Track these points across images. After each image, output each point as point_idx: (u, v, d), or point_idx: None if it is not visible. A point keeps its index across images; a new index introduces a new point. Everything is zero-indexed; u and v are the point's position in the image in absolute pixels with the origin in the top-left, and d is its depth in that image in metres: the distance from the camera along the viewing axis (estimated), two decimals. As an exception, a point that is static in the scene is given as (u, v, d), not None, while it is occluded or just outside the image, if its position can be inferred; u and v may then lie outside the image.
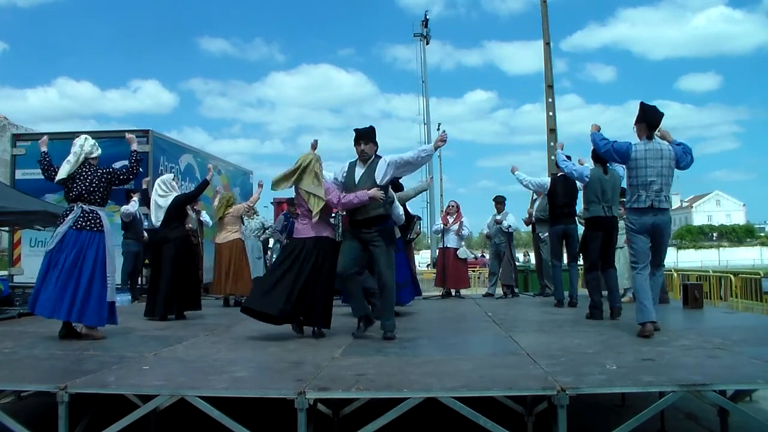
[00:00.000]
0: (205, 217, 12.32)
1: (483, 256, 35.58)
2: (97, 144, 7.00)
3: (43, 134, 14.28)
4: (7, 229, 12.19)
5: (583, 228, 8.73)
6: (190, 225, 9.48)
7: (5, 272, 12.78)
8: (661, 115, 6.76)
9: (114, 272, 7.01)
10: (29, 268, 12.14)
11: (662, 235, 6.73)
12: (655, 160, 6.59)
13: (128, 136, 7.52)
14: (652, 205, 6.57)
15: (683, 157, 6.72)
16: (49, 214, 9.78)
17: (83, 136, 7.00)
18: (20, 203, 9.80)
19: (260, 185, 11.58)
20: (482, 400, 4.33)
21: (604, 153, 7.11)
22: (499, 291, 12.70)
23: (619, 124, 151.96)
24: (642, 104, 6.82)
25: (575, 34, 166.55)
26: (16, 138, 13.22)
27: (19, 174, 12.47)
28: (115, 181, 7.01)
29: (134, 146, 7.33)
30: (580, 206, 9.67)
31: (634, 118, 6.82)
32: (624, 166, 6.98)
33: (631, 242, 6.77)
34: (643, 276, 6.63)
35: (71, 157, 6.82)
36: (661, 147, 6.65)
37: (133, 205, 11.29)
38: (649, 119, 6.73)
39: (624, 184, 8.28)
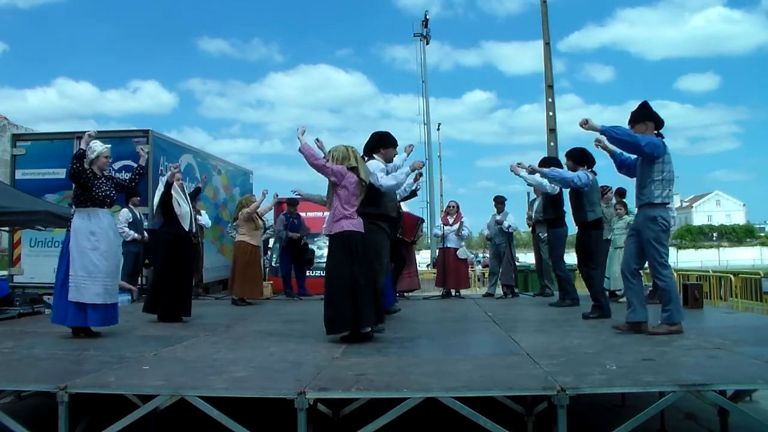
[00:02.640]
0: (203, 218, 12.33)
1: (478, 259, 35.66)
2: (91, 148, 7.03)
3: (42, 134, 14.35)
4: (7, 229, 12.18)
5: (582, 230, 8.54)
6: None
7: (5, 272, 12.77)
8: None
9: (81, 269, 6.81)
10: (29, 268, 12.15)
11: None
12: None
13: (140, 151, 7.70)
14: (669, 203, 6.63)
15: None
16: (49, 214, 9.79)
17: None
18: (21, 203, 9.81)
19: (264, 194, 11.52)
20: (482, 400, 4.33)
21: (646, 146, 6.42)
22: (499, 291, 12.70)
23: (619, 124, 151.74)
24: (646, 103, 6.78)
25: (573, 34, 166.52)
26: (16, 138, 13.22)
27: (19, 174, 12.46)
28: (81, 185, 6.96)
29: (142, 161, 7.56)
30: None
31: (635, 116, 6.72)
32: (656, 160, 6.55)
33: (661, 242, 6.58)
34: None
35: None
36: None
37: (124, 215, 11.27)
38: (657, 120, 6.70)
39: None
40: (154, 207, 9.02)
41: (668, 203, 6.61)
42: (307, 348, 6.18)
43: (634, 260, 6.76)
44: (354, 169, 6.64)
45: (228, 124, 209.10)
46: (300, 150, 6.57)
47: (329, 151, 6.82)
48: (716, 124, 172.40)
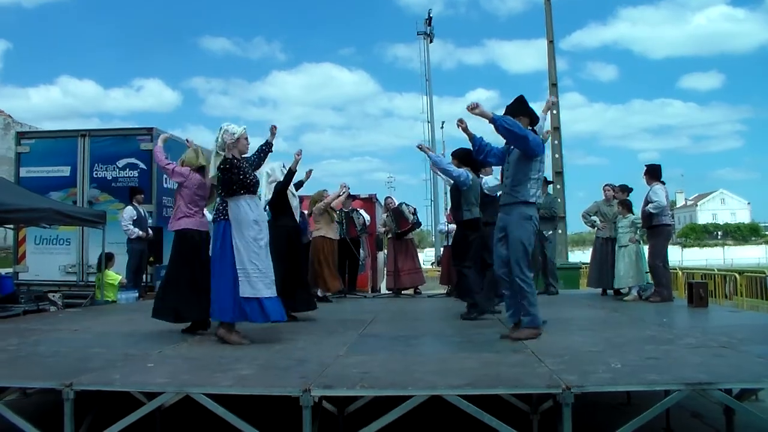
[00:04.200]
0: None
1: None
2: (228, 131, 6.68)
3: (46, 132, 14.34)
4: (12, 226, 12.22)
5: (459, 228, 8.48)
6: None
7: (10, 270, 12.81)
8: None
9: (248, 263, 6.33)
10: (34, 266, 12.19)
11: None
12: None
13: (273, 128, 7.24)
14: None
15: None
16: (54, 211, 9.81)
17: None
18: (25, 201, 9.83)
19: (343, 188, 11.49)
20: (487, 398, 4.32)
21: (533, 141, 6.25)
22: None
23: (622, 123, 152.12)
24: (523, 98, 6.62)
25: (575, 33, 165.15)
26: (20, 136, 13.25)
27: (24, 172, 12.50)
28: (228, 172, 6.51)
29: (271, 138, 7.18)
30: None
31: (510, 110, 6.50)
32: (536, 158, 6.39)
33: (531, 242, 6.39)
34: None
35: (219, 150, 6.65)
36: None
37: (128, 212, 11.28)
38: (533, 116, 6.55)
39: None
40: (266, 198, 8.50)
41: (536, 201, 6.45)
42: (313, 346, 6.19)
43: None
44: (201, 170, 7.09)
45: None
46: (153, 152, 7.27)
47: (182, 155, 7.36)
48: (720, 122, 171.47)
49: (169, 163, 7.14)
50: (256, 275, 6.33)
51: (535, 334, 6.31)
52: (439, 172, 8.71)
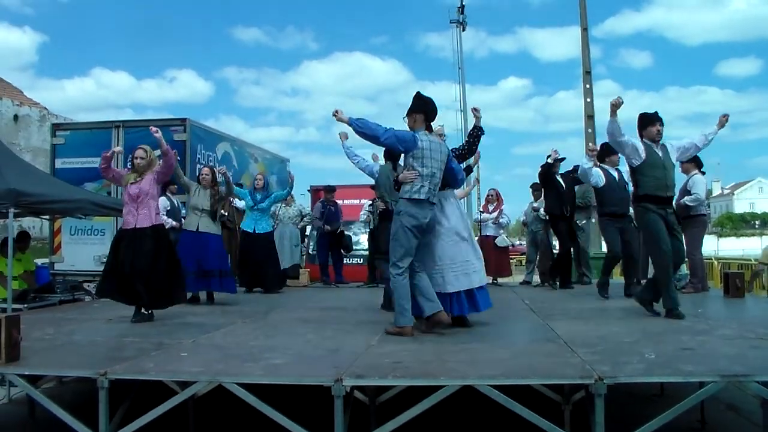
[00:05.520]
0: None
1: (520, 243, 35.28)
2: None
3: (81, 123, 14.47)
4: (47, 217, 12.37)
5: (380, 221, 8.48)
6: (223, 211, 9.47)
7: (46, 260, 12.97)
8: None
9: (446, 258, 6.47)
10: (69, 256, 12.33)
11: (432, 232, 6.46)
12: (436, 152, 6.29)
13: (475, 111, 7.16)
14: (429, 199, 6.25)
15: (455, 163, 6.69)
16: (89, 202, 9.91)
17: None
18: (61, 192, 9.94)
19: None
20: (519, 389, 4.30)
21: (386, 140, 6.24)
22: (536, 279, 12.60)
23: (657, 110, 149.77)
24: (420, 94, 6.53)
25: (608, 20, 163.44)
26: (56, 128, 13.39)
27: (59, 163, 12.63)
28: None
29: (477, 121, 7.10)
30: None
31: (409, 108, 6.45)
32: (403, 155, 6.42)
33: (398, 238, 6.18)
34: (405, 280, 6.19)
35: None
36: (438, 142, 6.42)
37: (162, 202, 11.37)
38: (430, 110, 6.43)
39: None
40: None
41: (419, 198, 6.18)
42: (344, 335, 6.20)
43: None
44: None
45: (264, 112, 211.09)
46: (167, 150, 7.67)
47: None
48: (758, 109, 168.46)
49: None
50: (455, 269, 6.45)
51: (395, 331, 6.11)
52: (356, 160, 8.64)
